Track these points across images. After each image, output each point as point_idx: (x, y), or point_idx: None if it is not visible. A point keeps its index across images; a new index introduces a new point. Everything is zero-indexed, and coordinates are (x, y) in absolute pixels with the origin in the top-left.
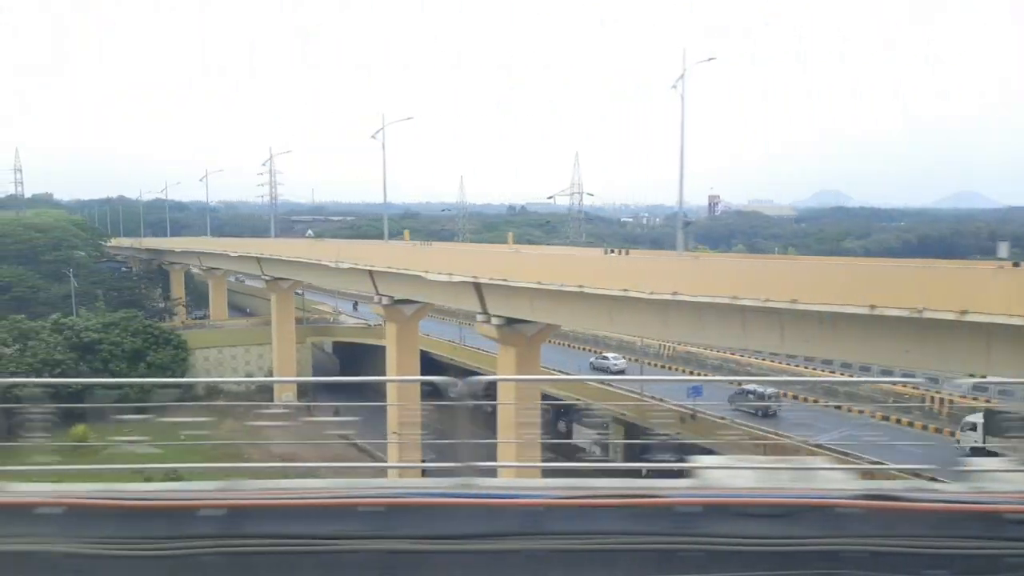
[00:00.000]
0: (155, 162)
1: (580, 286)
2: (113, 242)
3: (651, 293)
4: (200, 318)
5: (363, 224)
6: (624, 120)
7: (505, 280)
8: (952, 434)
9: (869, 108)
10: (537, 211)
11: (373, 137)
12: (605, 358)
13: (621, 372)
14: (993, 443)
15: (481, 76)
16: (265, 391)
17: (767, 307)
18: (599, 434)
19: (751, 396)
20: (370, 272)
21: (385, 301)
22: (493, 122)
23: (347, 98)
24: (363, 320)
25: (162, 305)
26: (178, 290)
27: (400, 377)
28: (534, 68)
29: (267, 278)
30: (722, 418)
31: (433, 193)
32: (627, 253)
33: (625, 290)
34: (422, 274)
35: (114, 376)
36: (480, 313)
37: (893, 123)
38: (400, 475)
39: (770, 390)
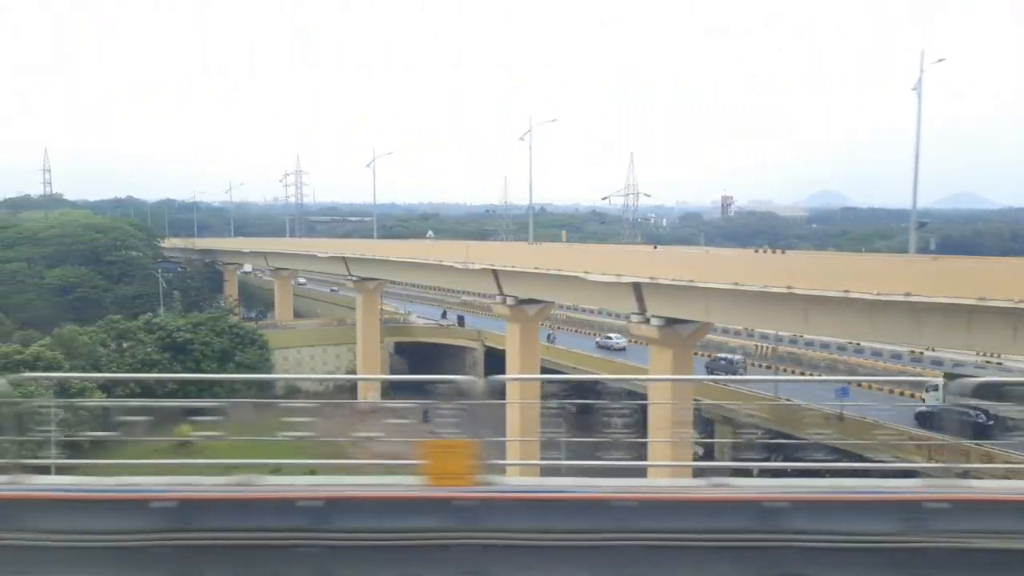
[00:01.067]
0: (157, 162)
1: (765, 286)
2: (166, 243)
3: (877, 294)
4: (252, 319)
5: (394, 224)
6: (618, 121)
7: (674, 281)
8: None
9: (868, 108)
10: (556, 211)
11: (521, 139)
12: (609, 338)
13: (622, 349)
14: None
15: (481, 78)
16: (348, 390)
17: (995, 307)
18: (702, 434)
19: (722, 362)
20: (495, 272)
21: (510, 301)
22: (495, 122)
23: (346, 99)
24: (431, 321)
25: (223, 306)
26: (231, 290)
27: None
28: (531, 69)
29: (354, 278)
30: (872, 420)
31: (434, 193)
32: (783, 252)
33: (846, 291)
34: (581, 275)
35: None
36: (635, 314)
37: (891, 124)
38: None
39: (738, 357)
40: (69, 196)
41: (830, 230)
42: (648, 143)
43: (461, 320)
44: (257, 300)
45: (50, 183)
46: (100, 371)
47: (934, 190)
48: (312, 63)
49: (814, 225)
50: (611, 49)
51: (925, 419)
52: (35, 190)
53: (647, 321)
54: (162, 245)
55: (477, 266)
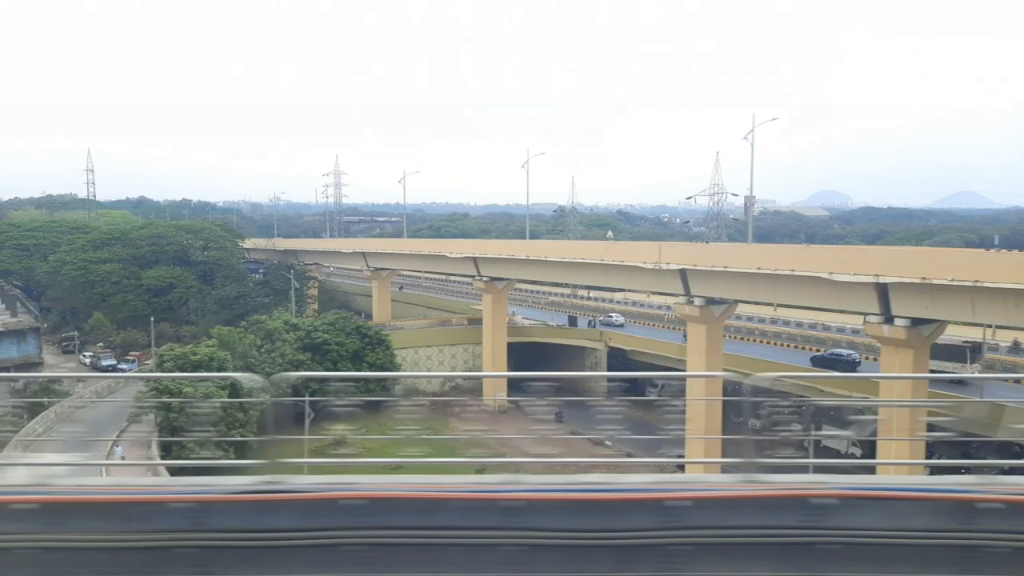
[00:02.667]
0: (164, 163)
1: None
2: (247, 243)
3: None
4: None
5: (442, 224)
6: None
7: (925, 279)
8: None
9: (868, 108)
10: (582, 211)
11: (744, 139)
12: (610, 316)
13: (621, 326)
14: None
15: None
16: (472, 390)
17: None
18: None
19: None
20: (683, 272)
21: (698, 302)
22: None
23: (346, 100)
24: (536, 321)
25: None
26: (311, 291)
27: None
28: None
29: (485, 278)
30: None
31: (440, 193)
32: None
33: None
34: (824, 275)
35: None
36: (875, 315)
37: (891, 124)
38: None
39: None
40: (81, 196)
41: (855, 231)
42: (650, 144)
43: (573, 320)
44: (334, 301)
45: (94, 183)
46: (254, 371)
47: (935, 190)
48: (313, 64)
49: (836, 226)
50: (596, 53)
51: None
52: (50, 190)
53: (890, 321)
54: (243, 245)
55: (673, 267)
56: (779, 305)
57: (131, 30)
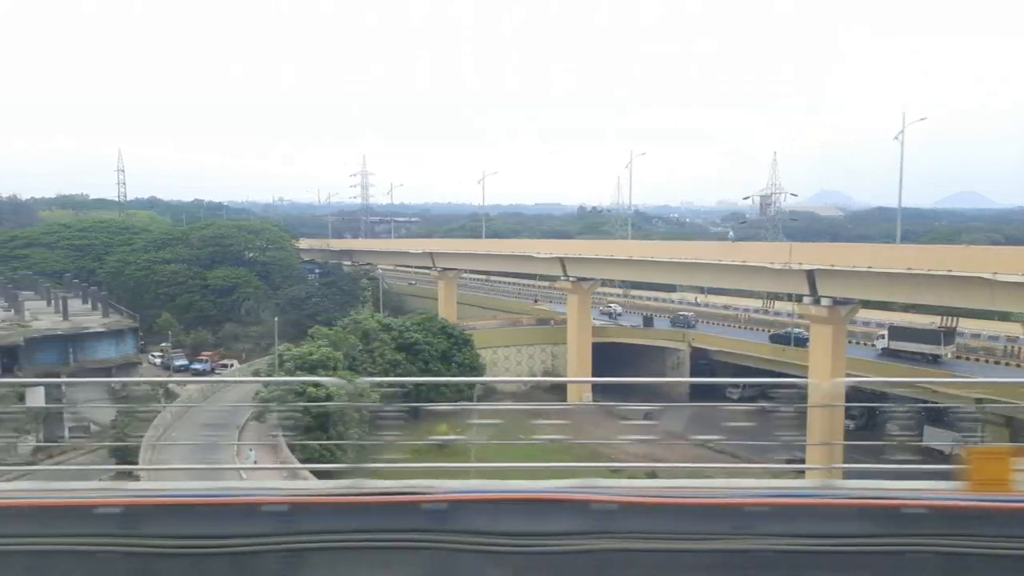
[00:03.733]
0: (160, 162)
1: None
2: (301, 244)
3: None
4: None
5: (471, 223)
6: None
7: None
8: None
9: (869, 109)
10: (609, 212)
11: (895, 138)
12: (610, 307)
13: (619, 315)
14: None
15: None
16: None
17: None
18: (964, 436)
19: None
20: (809, 273)
21: (825, 302)
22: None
23: (345, 100)
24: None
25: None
26: (365, 292)
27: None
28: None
29: (572, 279)
30: None
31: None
32: None
33: None
34: (987, 276)
35: (434, 376)
36: None
37: (892, 124)
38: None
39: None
40: (94, 196)
41: (875, 231)
42: (648, 144)
43: (649, 321)
44: (387, 303)
45: (124, 184)
46: (357, 371)
47: (936, 190)
48: (312, 64)
49: (848, 226)
50: (595, 53)
51: None
52: (55, 190)
53: None
54: (298, 246)
55: (806, 266)
56: (917, 305)
57: (126, 30)
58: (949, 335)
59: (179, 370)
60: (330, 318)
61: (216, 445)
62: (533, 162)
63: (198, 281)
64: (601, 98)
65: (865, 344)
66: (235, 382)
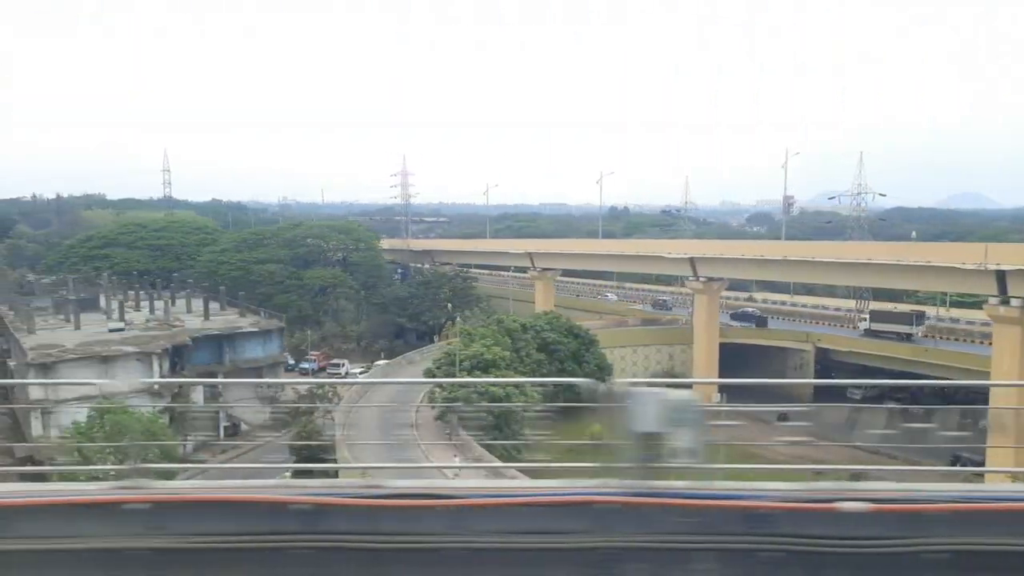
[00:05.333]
0: (160, 161)
1: None
2: (385, 244)
3: None
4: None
5: (521, 225)
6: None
7: None
8: None
9: (870, 108)
10: (641, 212)
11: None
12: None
13: (671, 307)
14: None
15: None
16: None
17: None
18: None
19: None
20: (999, 272)
21: (1015, 303)
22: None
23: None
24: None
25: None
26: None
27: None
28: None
29: (702, 279)
30: None
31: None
32: None
33: None
34: None
35: (569, 376)
36: None
37: (893, 124)
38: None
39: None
40: (110, 196)
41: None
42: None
43: (763, 321)
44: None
45: (170, 184)
46: (515, 371)
47: (938, 190)
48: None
49: (890, 226)
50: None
51: None
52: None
53: None
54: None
55: (1003, 267)
56: None
57: (125, 30)
58: (919, 318)
59: (288, 370)
60: (432, 319)
61: (405, 444)
62: (531, 163)
63: (295, 281)
64: (598, 98)
65: (851, 327)
66: (403, 383)
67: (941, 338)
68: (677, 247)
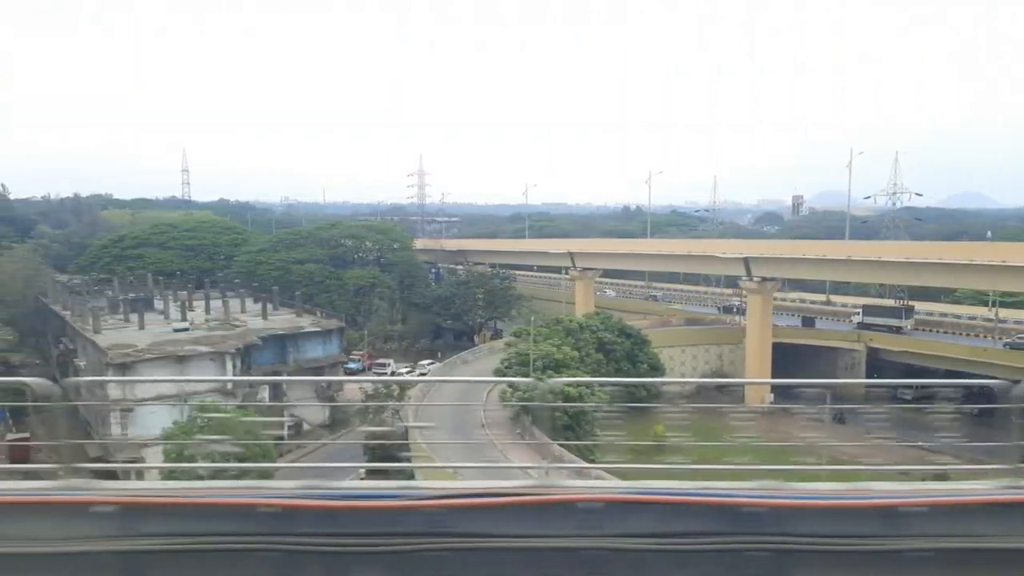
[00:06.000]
0: (157, 160)
1: None
2: (418, 244)
3: None
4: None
5: (543, 224)
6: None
7: None
8: None
9: (870, 108)
10: (655, 212)
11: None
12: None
13: None
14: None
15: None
16: (723, 392)
17: None
18: None
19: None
20: None
21: None
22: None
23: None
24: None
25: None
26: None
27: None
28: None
29: (756, 279)
30: None
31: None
32: None
33: None
34: None
35: (624, 376)
36: None
37: (893, 123)
38: None
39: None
40: (118, 195)
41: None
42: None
43: (810, 321)
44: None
45: (188, 183)
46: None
47: (939, 190)
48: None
49: (911, 227)
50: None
51: None
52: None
53: None
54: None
55: None
56: None
57: (121, 30)
58: (908, 311)
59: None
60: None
61: (482, 444)
62: (531, 163)
63: (334, 281)
64: (596, 98)
65: (844, 320)
66: (466, 381)
67: (927, 331)
68: (732, 247)
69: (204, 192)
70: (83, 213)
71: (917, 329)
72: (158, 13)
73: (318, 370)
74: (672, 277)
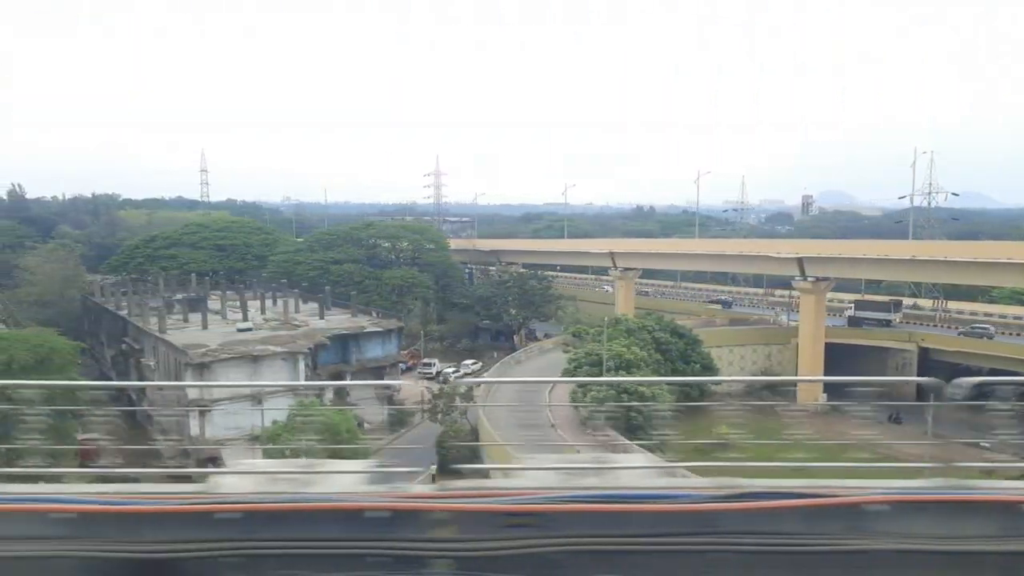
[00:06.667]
0: (155, 160)
1: None
2: (452, 244)
3: None
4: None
5: (561, 222)
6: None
7: None
8: None
9: (869, 108)
10: (666, 212)
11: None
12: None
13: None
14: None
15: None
16: (774, 392)
17: None
18: None
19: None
20: None
21: None
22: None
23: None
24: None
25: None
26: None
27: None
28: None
29: (811, 279)
30: None
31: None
32: None
33: None
34: None
35: (681, 375)
36: None
37: (894, 123)
38: None
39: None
40: (121, 195)
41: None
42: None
43: (856, 321)
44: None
45: (207, 183)
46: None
47: (940, 189)
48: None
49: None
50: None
51: None
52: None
53: None
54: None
55: None
56: None
57: (121, 30)
58: (897, 306)
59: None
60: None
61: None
62: (531, 163)
63: (372, 281)
64: (595, 98)
65: (837, 315)
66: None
67: (913, 323)
68: (786, 247)
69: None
70: (100, 213)
71: (904, 322)
72: (158, 13)
73: (379, 370)
74: (699, 276)
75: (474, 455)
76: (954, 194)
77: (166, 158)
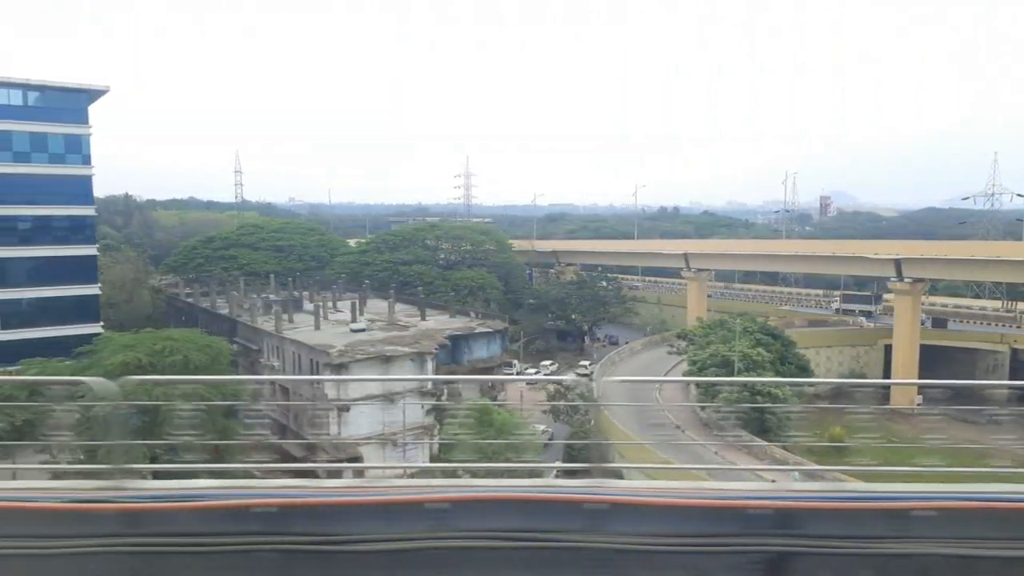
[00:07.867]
0: (155, 160)
1: None
2: (514, 245)
3: None
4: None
5: (593, 224)
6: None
7: None
8: None
9: (871, 109)
10: (689, 211)
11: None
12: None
13: None
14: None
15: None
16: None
17: None
18: None
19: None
20: None
21: None
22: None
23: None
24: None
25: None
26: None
27: None
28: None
29: (907, 280)
30: None
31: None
32: None
33: None
34: None
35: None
36: None
37: (894, 123)
38: None
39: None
40: (141, 195)
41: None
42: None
43: (941, 322)
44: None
45: (241, 184)
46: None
47: (939, 190)
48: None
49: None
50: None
51: None
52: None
53: None
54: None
55: None
56: None
57: (121, 30)
58: (877, 298)
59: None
60: (585, 321)
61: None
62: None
63: (443, 282)
64: (597, 99)
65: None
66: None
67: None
68: (884, 248)
69: (217, 192)
70: (132, 214)
71: (883, 313)
72: (158, 13)
73: (487, 371)
74: (749, 276)
75: (602, 454)
76: (1019, 195)
77: (167, 158)
